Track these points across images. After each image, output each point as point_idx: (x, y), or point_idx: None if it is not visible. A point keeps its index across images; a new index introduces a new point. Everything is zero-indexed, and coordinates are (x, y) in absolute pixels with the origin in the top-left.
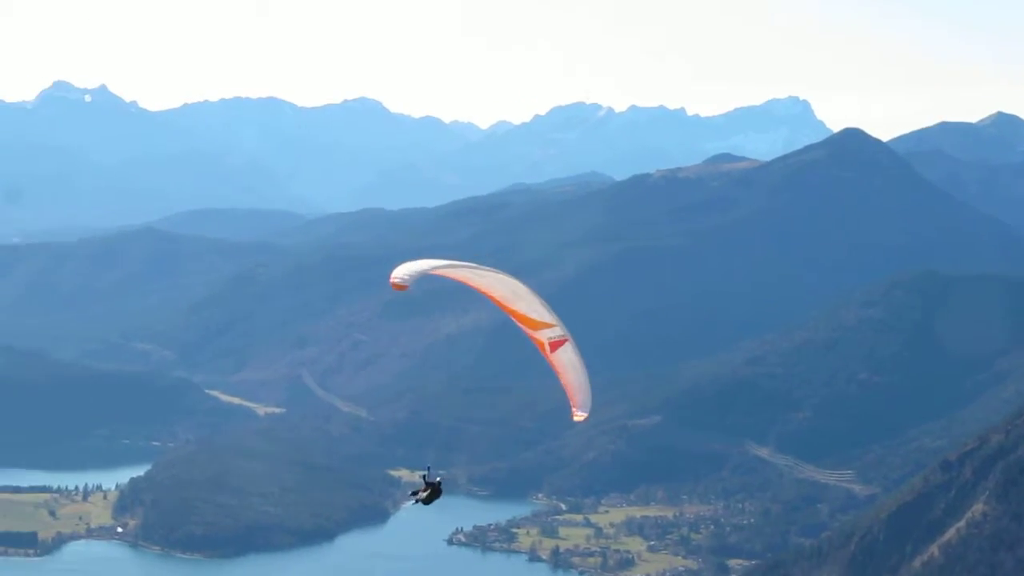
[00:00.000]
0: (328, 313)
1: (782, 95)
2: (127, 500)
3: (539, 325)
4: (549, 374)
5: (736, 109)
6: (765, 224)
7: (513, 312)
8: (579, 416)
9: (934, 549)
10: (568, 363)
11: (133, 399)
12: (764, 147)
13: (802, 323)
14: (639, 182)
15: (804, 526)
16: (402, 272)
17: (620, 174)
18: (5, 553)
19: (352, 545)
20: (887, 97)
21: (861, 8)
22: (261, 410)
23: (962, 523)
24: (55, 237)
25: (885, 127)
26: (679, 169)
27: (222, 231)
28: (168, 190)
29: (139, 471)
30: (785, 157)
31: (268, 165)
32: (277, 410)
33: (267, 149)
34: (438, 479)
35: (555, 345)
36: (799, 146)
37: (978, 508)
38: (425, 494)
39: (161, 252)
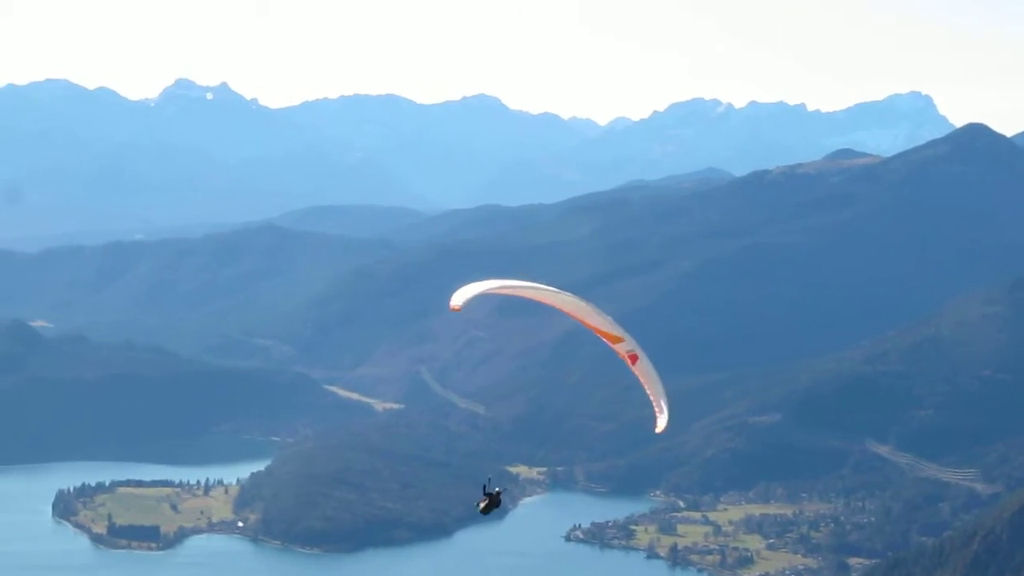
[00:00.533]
0: (446, 310)
1: (904, 90)
2: (248, 495)
3: (617, 339)
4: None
5: (857, 104)
6: (886, 220)
7: (592, 325)
8: (660, 426)
9: None
10: (648, 374)
11: (253, 395)
12: (886, 143)
13: (924, 320)
14: (758, 178)
15: (925, 525)
16: (460, 295)
17: (739, 170)
18: (128, 547)
19: (470, 541)
20: (1012, 91)
21: (985, 0)
22: (379, 406)
23: None
24: (177, 234)
25: (1010, 122)
26: (799, 165)
27: (341, 228)
28: (288, 187)
29: (259, 466)
30: (907, 153)
31: (387, 162)
32: (395, 406)
33: (386, 146)
34: (497, 490)
35: (633, 359)
36: (921, 142)
37: None
38: (483, 504)
39: (281, 248)
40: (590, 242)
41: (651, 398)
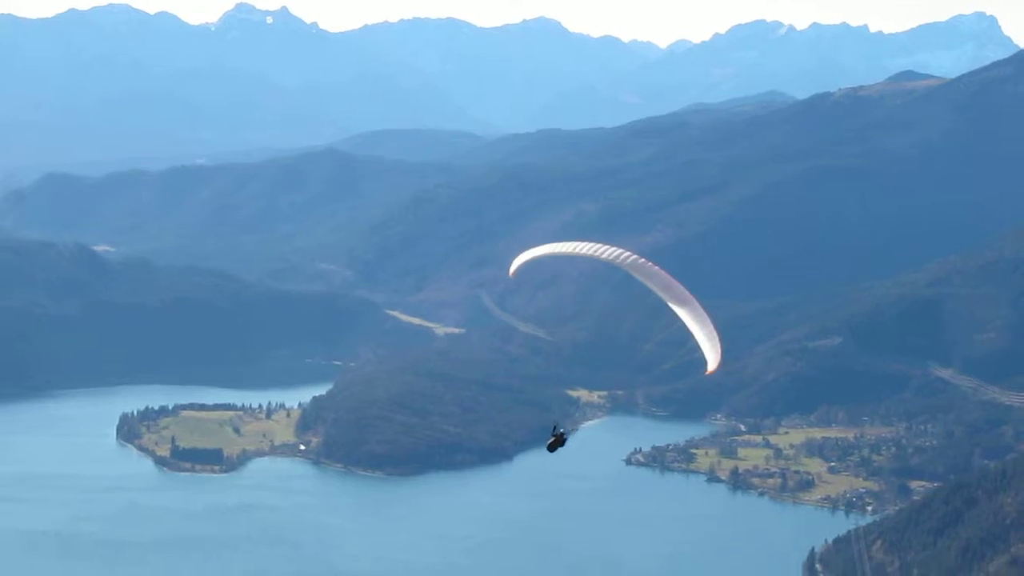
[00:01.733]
0: (506, 234)
1: (968, 10)
2: (309, 418)
3: (675, 299)
4: (731, 294)
5: (920, 25)
6: (949, 143)
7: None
8: (712, 366)
9: None
10: (698, 319)
11: (315, 319)
12: (949, 64)
13: (987, 243)
14: (820, 101)
15: (988, 448)
16: (517, 261)
17: (801, 93)
18: (192, 469)
19: (531, 464)
20: None
21: None
22: (440, 330)
23: None
24: (239, 159)
25: None
26: (861, 87)
27: (401, 152)
28: (348, 112)
29: (321, 390)
30: (971, 74)
31: (447, 86)
32: (456, 330)
33: (446, 70)
34: (561, 431)
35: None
36: (985, 62)
37: None
38: (550, 442)
39: (342, 173)
40: (650, 166)
41: (701, 343)
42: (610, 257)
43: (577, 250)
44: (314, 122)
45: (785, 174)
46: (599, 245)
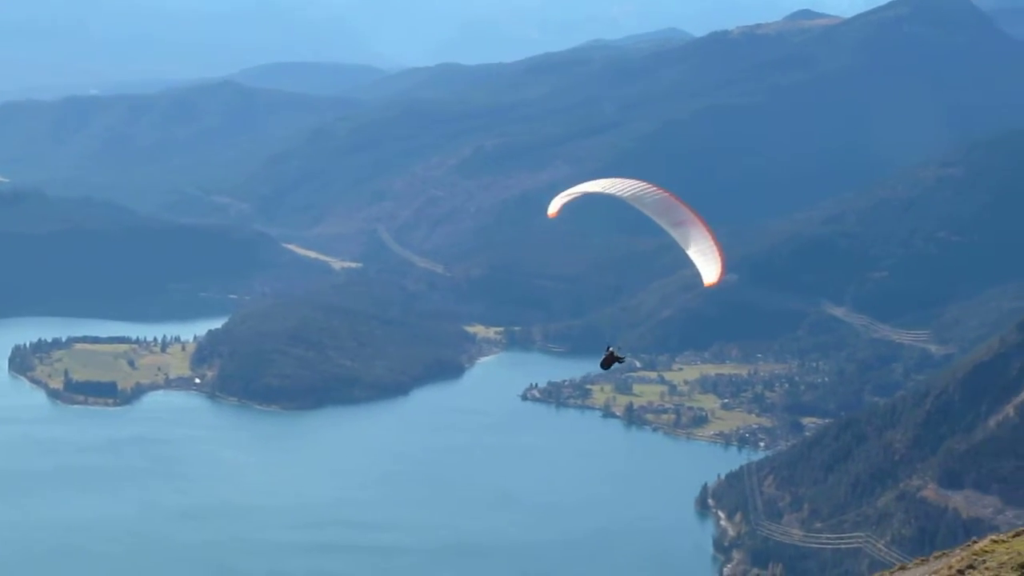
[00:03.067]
0: (405, 169)
1: None
2: (205, 352)
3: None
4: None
5: None
6: (846, 82)
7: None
8: (709, 279)
9: (1009, 409)
10: (698, 240)
11: (211, 252)
12: (847, 3)
13: (881, 182)
14: (718, 39)
15: (879, 385)
16: (556, 202)
17: (699, 30)
18: (85, 402)
19: (427, 399)
20: None
21: None
22: (337, 264)
23: None
24: (134, 89)
25: None
26: (759, 26)
27: (300, 85)
28: (246, 43)
29: (217, 323)
30: (868, 13)
31: (347, 18)
32: (353, 265)
33: (346, 2)
34: (611, 350)
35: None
36: (882, 2)
37: None
38: (603, 359)
39: (239, 106)
40: (549, 102)
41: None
42: (647, 199)
43: (619, 189)
44: (211, 53)
45: (683, 112)
46: (642, 184)
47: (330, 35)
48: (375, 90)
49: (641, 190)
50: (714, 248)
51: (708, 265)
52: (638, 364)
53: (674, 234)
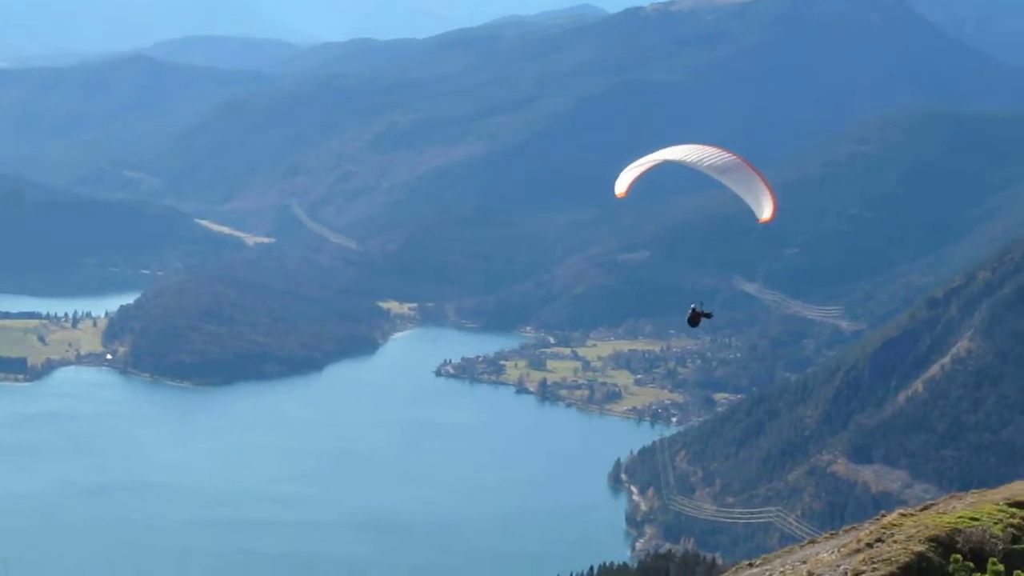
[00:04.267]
0: (318, 144)
1: None
2: (116, 327)
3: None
4: (542, 207)
5: None
6: (758, 59)
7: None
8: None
9: (918, 384)
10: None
11: (122, 227)
12: None
13: (794, 159)
14: (632, 15)
15: (790, 361)
16: (623, 180)
17: (613, 6)
18: None
19: (341, 375)
20: None
21: None
22: (250, 240)
23: (947, 359)
24: (45, 62)
25: None
26: (672, 2)
27: (212, 60)
28: (158, 17)
29: (128, 299)
30: None
31: None
32: (266, 240)
33: None
34: (694, 306)
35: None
36: None
37: (963, 345)
38: (688, 315)
39: (150, 80)
40: (463, 78)
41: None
42: (715, 162)
43: (683, 156)
44: (122, 25)
45: (597, 88)
46: (708, 149)
47: (242, 10)
48: (288, 65)
49: (706, 154)
50: (768, 190)
51: (763, 202)
52: (552, 340)
53: (732, 184)
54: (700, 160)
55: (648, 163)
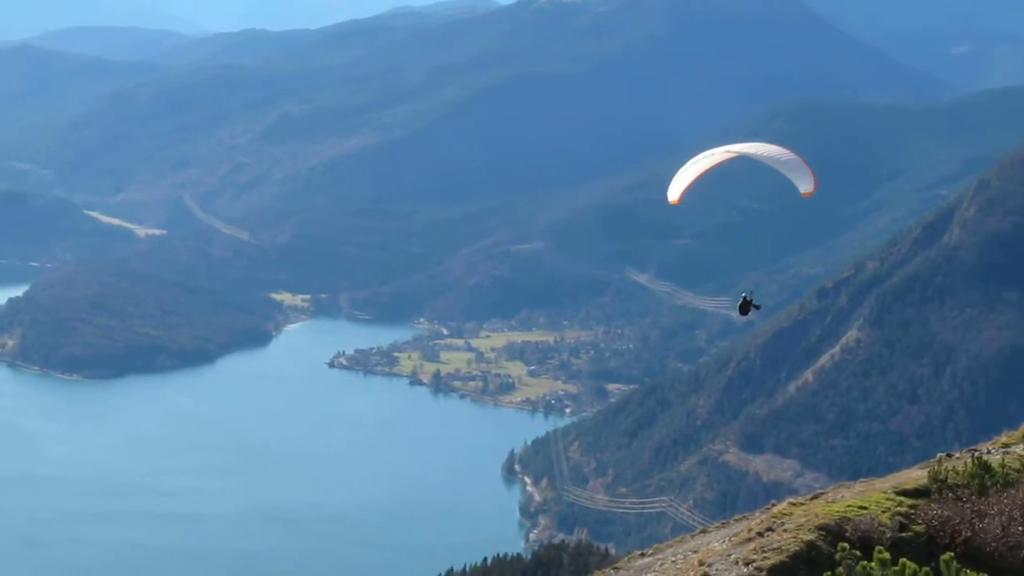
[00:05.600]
0: (210, 135)
1: None
2: (4, 320)
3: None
4: (435, 199)
5: None
6: (650, 51)
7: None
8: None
9: (808, 374)
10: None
11: (11, 219)
12: None
13: (684, 150)
14: (525, 6)
15: (682, 352)
16: (675, 188)
17: None
18: None
19: (234, 366)
20: None
21: None
22: (141, 232)
23: (836, 349)
24: None
25: None
26: None
27: (101, 50)
28: (45, 6)
29: (17, 291)
30: None
31: None
32: (158, 232)
33: None
34: (744, 296)
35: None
36: None
37: (852, 335)
38: (739, 304)
39: (38, 70)
40: (356, 69)
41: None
42: (766, 153)
43: (721, 156)
44: (8, 16)
45: (490, 80)
46: (734, 147)
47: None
48: (178, 56)
49: (752, 145)
50: (810, 168)
51: (805, 177)
52: (445, 331)
53: (774, 164)
54: (745, 150)
55: (699, 167)
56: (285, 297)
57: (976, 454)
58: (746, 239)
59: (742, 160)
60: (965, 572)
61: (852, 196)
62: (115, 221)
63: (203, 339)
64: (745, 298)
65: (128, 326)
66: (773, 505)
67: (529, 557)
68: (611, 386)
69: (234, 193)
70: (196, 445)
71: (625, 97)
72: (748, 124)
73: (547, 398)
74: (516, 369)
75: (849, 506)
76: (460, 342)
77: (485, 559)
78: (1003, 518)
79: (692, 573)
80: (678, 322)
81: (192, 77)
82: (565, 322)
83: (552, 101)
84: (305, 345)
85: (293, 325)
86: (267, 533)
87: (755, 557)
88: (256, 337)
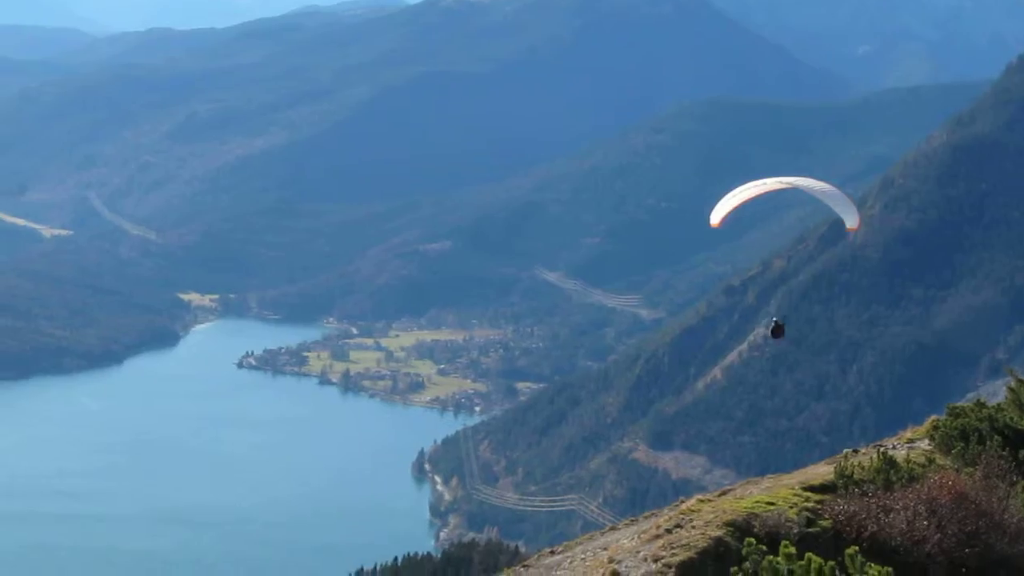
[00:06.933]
0: (116, 135)
1: None
2: None
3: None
4: (343, 198)
5: None
6: (557, 50)
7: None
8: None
9: (717, 371)
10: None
11: None
12: None
13: (592, 149)
14: (432, 5)
15: (591, 350)
16: (718, 211)
17: None
18: None
19: (141, 367)
20: None
21: None
22: (47, 232)
23: (744, 346)
24: None
25: None
26: None
27: (4, 48)
28: None
29: None
30: None
31: None
32: (63, 232)
33: None
34: (775, 319)
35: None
36: None
37: (759, 332)
38: (771, 328)
39: None
40: (263, 68)
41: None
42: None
43: (772, 186)
44: None
45: (398, 79)
46: (787, 179)
47: None
48: (83, 55)
49: (800, 180)
50: (852, 203)
51: (851, 213)
52: (355, 331)
53: (823, 198)
54: (798, 183)
55: (745, 195)
56: (193, 297)
57: (882, 449)
58: (654, 237)
59: (648, 157)
60: (869, 566)
61: None
62: (20, 221)
63: (110, 340)
64: (777, 322)
65: (34, 327)
66: (682, 502)
67: (439, 556)
68: (521, 384)
69: (141, 193)
70: (102, 446)
71: (532, 96)
72: (656, 121)
73: (457, 397)
74: (426, 368)
75: (757, 502)
76: (369, 341)
77: (395, 559)
78: (908, 513)
79: (601, 570)
80: (587, 320)
81: (98, 76)
82: (475, 321)
83: (460, 101)
84: (213, 345)
85: (201, 325)
86: (173, 533)
87: (664, 554)
88: (164, 338)
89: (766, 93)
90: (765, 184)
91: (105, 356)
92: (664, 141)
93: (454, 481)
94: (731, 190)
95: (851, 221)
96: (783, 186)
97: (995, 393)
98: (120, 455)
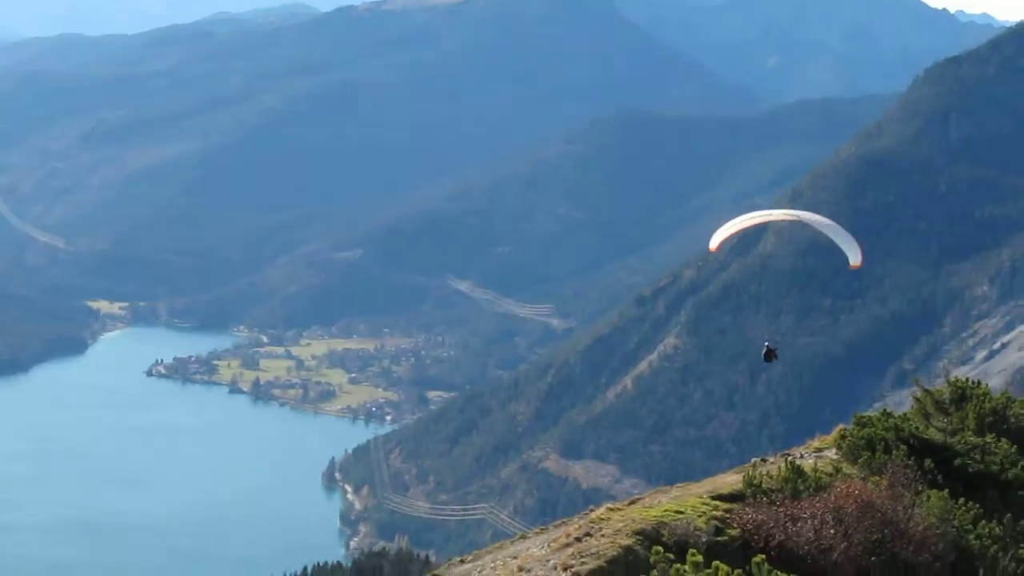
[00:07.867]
0: (22, 141)
1: None
2: None
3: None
4: (254, 206)
5: None
6: (470, 59)
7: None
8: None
9: (627, 381)
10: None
11: None
12: None
13: (504, 159)
14: (344, 13)
15: (502, 359)
16: (717, 237)
17: (325, 5)
18: None
19: (48, 375)
20: None
21: None
22: None
23: (654, 356)
24: None
25: None
26: (384, 1)
27: None
28: None
29: None
30: None
31: None
32: None
33: None
34: (767, 344)
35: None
36: None
37: (670, 341)
38: (764, 352)
39: None
40: (174, 75)
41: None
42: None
43: (777, 217)
44: None
45: (309, 87)
46: (793, 212)
47: None
48: None
49: (803, 215)
50: (855, 241)
51: (854, 250)
52: (265, 339)
53: (828, 232)
54: (799, 217)
55: (747, 223)
56: (102, 305)
57: (790, 459)
58: (565, 247)
59: (560, 167)
60: (776, 574)
61: (670, 204)
62: None
63: (16, 348)
64: (768, 347)
65: None
66: (592, 511)
67: (350, 565)
68: (432, 393)
69: (49, 200)
70: (7, 455)
71: (445, 105)
72: (568, 131)
73: (368, 406)
74: (337, 377)
75: (666, 511)
76: (280, 350)
77: (305, 568)
78: (815, 521)
79: None
80: (498, 329)
81: (4, 82)
82: (386, 329)
83: (371, 109)
84: (122, 353)
85: (110, 333)
86: (79, 543)
87: (573, 562)
88: (72, 345)
89: (678, 105)
90: (770, 214)
91: (11, 364)
92: (576, 151)
93: (365, 490)
94: (646, 202)
95: (854, 259)
96: (788, 218)
97: (901, 403)
98: (24, 464)
